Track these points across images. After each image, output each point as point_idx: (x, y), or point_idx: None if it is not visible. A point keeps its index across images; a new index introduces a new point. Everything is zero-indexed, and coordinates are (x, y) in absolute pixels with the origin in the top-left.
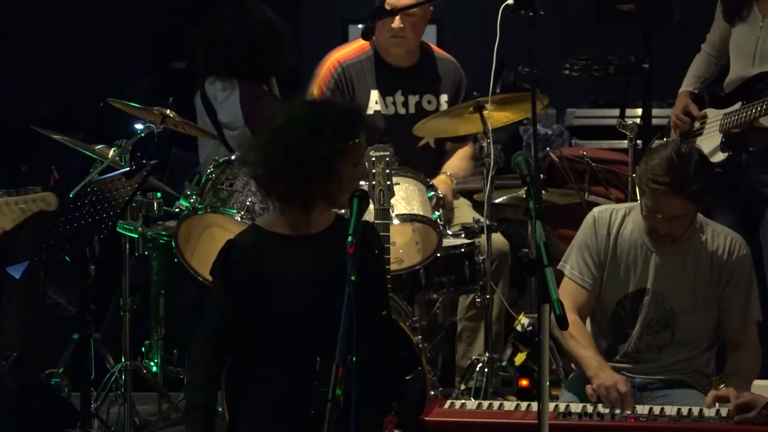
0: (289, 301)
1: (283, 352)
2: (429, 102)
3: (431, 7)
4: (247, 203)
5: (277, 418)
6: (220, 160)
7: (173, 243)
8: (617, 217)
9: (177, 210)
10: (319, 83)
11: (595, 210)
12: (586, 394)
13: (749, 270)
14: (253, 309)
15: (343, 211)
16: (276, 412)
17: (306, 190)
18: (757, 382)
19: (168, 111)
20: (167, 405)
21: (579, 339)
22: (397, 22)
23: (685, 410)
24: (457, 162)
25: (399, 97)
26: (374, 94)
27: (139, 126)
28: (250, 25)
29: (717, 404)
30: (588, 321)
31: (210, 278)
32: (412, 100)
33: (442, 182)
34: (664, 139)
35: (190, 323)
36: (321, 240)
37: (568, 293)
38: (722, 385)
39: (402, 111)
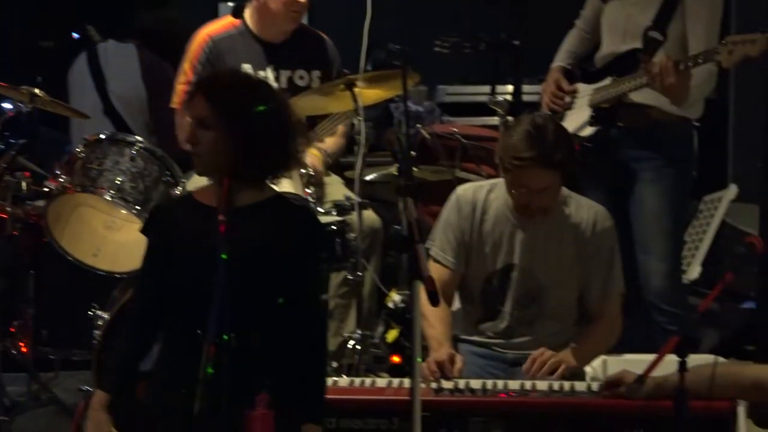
0: (186, 270)
1: (180, 323)
2: (301, 78)
3: None
4: (117, 182)
5: (174, 386)
6: (90, 139)
7: (43, 223)
8: (481, 195)
9: (46, 190)
10: (191, 59)
11: (459, 189)
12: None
13: (612, 242)
14: (164, 274)
15: (282, 188)
16: (173, 380)
17: None
18: (628, 357)
19: (37, 90)
20: (37, 386)
21: (429, 318)
22: None
23: (556, 385)
24: (331, 138)
25: (270, 72)
26: (246, 69)
27: (7, 105)
28: None
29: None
30: (457, 299)
31: (80, 258)
32: (284, 75)
33: (312, 155)
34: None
35: (60, 303)
36: (240, 214)
37: (431, 272)
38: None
39: (274, 86)
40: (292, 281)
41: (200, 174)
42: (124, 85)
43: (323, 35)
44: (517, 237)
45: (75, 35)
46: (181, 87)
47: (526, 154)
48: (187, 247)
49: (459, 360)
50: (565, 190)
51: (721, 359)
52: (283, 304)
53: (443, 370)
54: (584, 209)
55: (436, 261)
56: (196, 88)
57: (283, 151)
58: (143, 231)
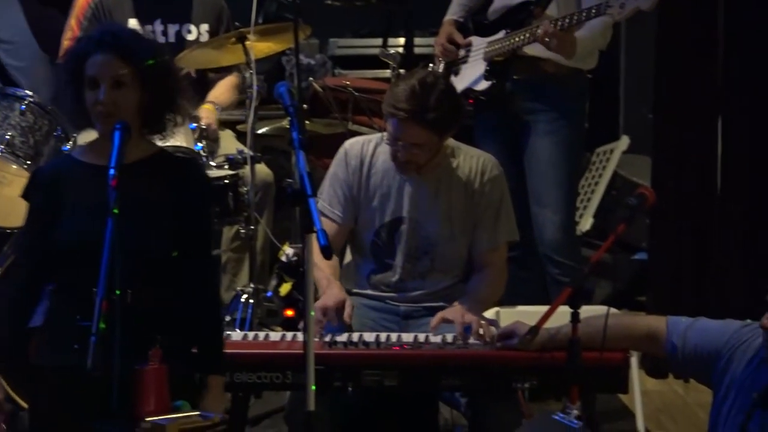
0: (76, 229)
1: (72, 281)
2: (189, 31)
3: None
4: (7, 137)
5: (67, 343)
6: None
7: None
8: (369, 149)
9: None
10: (77, 14)
11: (347, 143)
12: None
13: (500, 191)
14: (50, 234)
15: (168, 144)
16: (66, 337)
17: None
18: (522, 308)
19: None
20: None
21: (318, 263)
22: None
23: (449, 337)
24: (222, 91)
25: (158, 26)
26: (133, 23)
27: None
28: None
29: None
30: (349, 253)
31: None
32: (172, 29)
33: (206, 110)
34: (430, 66)
35: None
36: (128, 170)
37: None
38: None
39: (161, 40)
40: (182, 235)
41: (105, 132)
42: (9, 31)
43: None
44: (405, 190)
45: None
46: (67, 43)
47: (402, 105)
48: (75, 206)
49: (348, 305)
50: (453, 142)
51: (613, 310)
52: (175, 258)
53: (327, 316)
54: (473, 159)
55: (324, 215)
56: (95, 47)
57: (177, 104)
58: (24, 196)
